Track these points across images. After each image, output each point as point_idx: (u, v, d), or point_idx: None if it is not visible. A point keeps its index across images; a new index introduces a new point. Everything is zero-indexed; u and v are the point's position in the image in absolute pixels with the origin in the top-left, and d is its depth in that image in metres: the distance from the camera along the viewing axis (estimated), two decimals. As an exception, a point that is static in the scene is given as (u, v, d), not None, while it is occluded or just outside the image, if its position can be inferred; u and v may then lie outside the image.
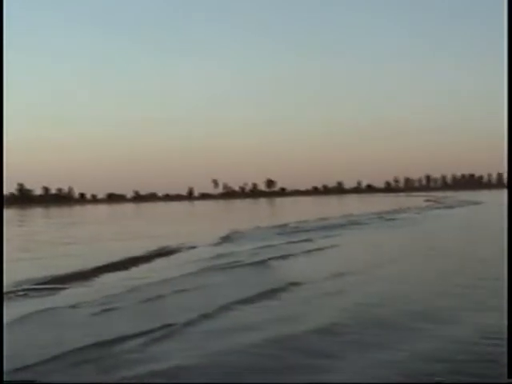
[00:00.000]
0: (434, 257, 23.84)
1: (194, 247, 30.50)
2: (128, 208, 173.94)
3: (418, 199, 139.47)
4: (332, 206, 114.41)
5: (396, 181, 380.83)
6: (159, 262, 24.63)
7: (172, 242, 31.85)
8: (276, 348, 10.44)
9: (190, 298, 15.88)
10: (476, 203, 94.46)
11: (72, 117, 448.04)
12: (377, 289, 16.49)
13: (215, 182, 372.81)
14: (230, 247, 30.24)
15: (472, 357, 9.55)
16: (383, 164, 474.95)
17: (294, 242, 31.92)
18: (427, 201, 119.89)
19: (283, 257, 25.15)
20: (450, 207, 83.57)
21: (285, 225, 48.13)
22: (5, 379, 8.25)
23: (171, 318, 12.77)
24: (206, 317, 13.01)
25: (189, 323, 12.44)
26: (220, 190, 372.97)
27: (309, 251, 27.24)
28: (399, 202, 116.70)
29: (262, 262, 23.45)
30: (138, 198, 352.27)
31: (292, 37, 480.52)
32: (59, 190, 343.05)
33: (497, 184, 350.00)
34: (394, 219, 53.86)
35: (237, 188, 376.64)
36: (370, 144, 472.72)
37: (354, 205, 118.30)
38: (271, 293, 16.01)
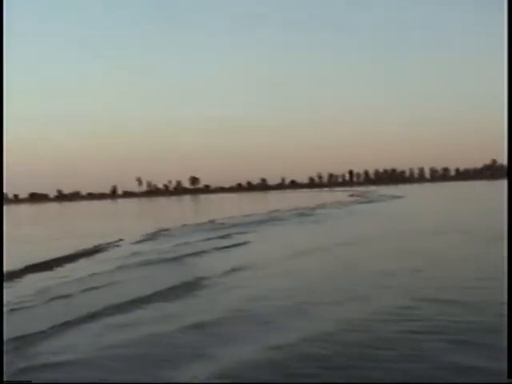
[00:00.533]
0: (339, 252, 24.46)
1: (118, 246, 31.11)
2: (52, 207, 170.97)
3: (340, 194, 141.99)
4: (255, 203, 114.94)
5: (320, 176, 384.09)
6: (83, 262, 25.01)
7: (99, 241, 32.15)
8: (146, 344, 11.02)
9: (96, 296, 16.29)
10: (396, 197, 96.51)
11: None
12: (268, 284, 17.23)
13: (139, 180, 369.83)
14: (152, 245, 30.89)
15: (318, 345, 10.42)
16: (307, 160, 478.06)
17: (212, 239, 32.63)
18: (350, 196, 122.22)
19: (198, 253, 25.92)
20: (371, 202, 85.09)
21: (206, 222, 48.68)
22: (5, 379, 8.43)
23: (70, 316, 13.26)
24: (104, 314, 13.55)
25: (86, 320, 12.97)
26: (144, 187, 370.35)
27: (224, 248, 28.13)
28: (321, 198, 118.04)
29: (176, 259, 24.24)
30: (61, 197, 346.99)
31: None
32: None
33: (418, 178, 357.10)
34: (313, 215, 55.06)
35: (161, 186, 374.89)
36: (294, 140, 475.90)
37: (277, 201, 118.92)
38: (174, 289, 16.70)
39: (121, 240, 33.60)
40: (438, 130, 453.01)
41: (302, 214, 57.08)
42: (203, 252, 26.40)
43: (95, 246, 30.08)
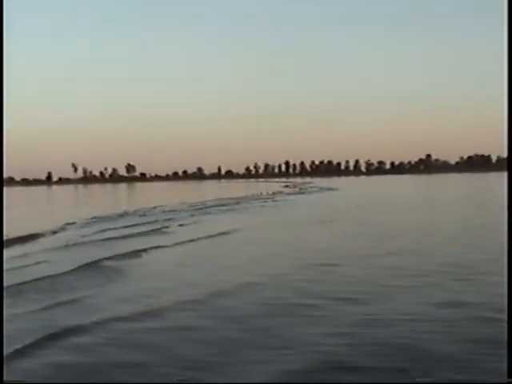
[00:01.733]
0: (239, 237, 27.11)
1: (56, 232, 32.02)
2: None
3: (274, 185, 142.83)
4: (186, 193, 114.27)
5: (256, 167, 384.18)
6: (16, 247, 25.43)
7: (38, 229, 32.29)
8: None
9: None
10: (327, 189, 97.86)
11: None
12: (153, 268, 18.87)
13: (74, 167, 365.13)
14: (81, 231, 32.25)
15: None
16: (243, 150, 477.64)
17: (136, 225, 34.51)
18: (285, 187, 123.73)
19: (116, 238, 27.96)
20: (302, 193, 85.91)
21: (135, 211, 50.19)
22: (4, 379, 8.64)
23: None
24: None
25: None
26: (80, 174, 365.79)
27: (139, 233, 29.98)
28: (255, 188, 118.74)
29: (93, 242, 26.40)
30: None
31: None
32: None
33: (354, 171, 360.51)
34: (241, 204, 57.50)
35: (97, 173, 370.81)
36: (230, 129, 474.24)
37: (207, 191, 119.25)
38: (77, 269, 18.16)
39: (62, 226, 34.55)
40: (375, 124, 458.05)
41: (226, 204, 57.92)
42: (122, 237, 28.23)
43: (35, 233, 30.38)
